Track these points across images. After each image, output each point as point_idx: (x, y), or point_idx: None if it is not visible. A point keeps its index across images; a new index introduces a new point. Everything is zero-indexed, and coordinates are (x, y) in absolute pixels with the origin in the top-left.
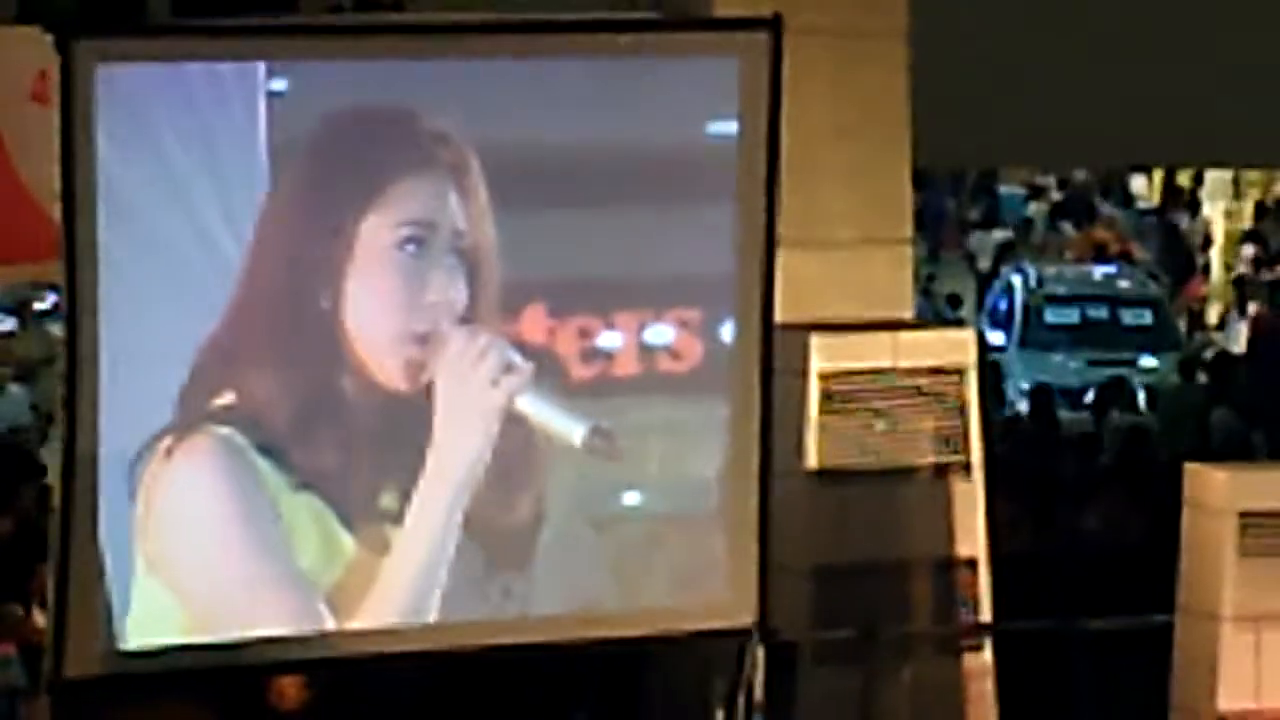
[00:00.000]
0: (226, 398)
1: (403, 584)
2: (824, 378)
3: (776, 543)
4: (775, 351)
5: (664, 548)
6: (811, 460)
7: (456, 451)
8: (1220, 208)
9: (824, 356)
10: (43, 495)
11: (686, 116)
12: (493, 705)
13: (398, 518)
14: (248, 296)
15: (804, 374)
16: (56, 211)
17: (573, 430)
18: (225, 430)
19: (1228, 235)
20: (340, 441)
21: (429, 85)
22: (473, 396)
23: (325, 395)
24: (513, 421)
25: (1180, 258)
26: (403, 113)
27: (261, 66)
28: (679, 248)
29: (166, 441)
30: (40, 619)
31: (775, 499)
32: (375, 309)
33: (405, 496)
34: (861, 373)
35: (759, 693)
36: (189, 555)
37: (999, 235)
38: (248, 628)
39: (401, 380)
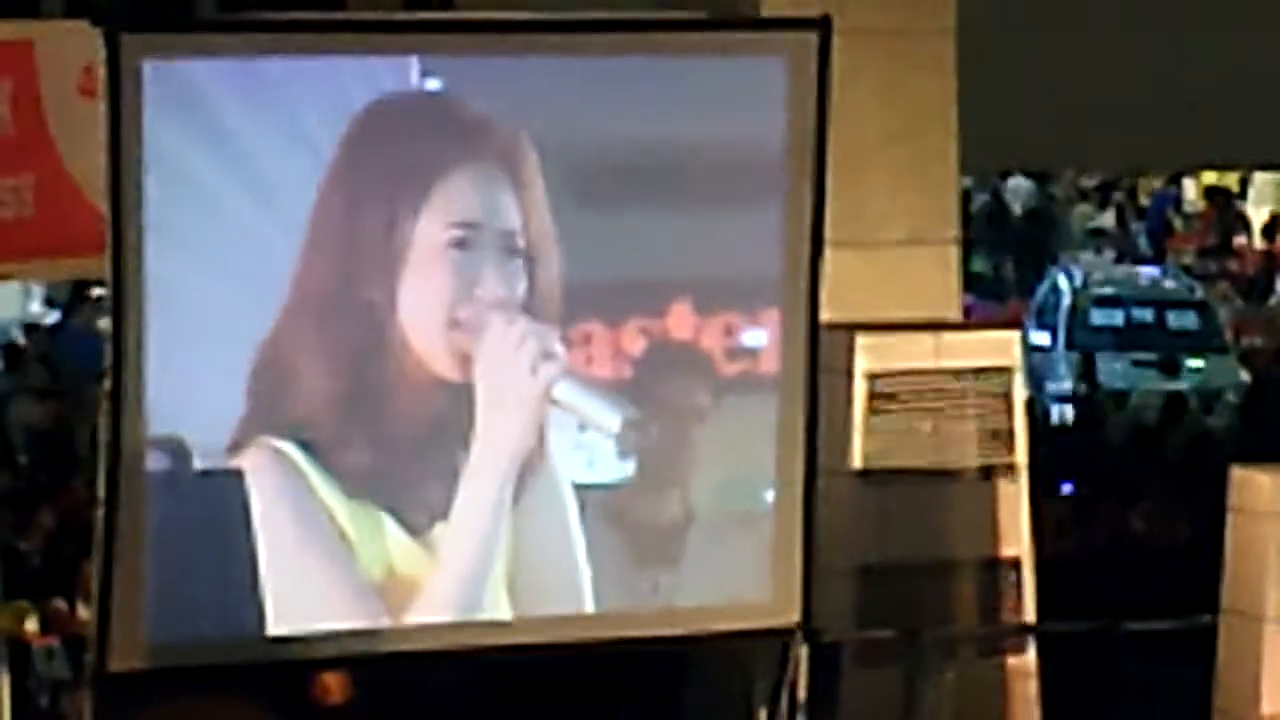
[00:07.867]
0: (284, 400)
1: (455, 576)
2: (870, 377)
3: (821, 543)
4: (821, 351)
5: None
6: (856, 460)
7: (500, 440)
8: (1266, 212)
9: (870, 356)
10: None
11: (731, 117)
12: (538, 702)
13: (445, 512)
14: (301, 296)
15: (850, 374)
16: (104, 205)
17: (608, 420)
18: (279, 443)
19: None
20: (392, 438)
21: (473, 77)
22: (512, 384)
23: (379, 388)
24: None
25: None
26: (442, 101)
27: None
28: (726, 248)
29: (228, 453)
30: (85, 613)
31: (820, 499)
32: (425, 303)
33: (451, 489)
34: (907, 373)
35: (802, 692)
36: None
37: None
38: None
39: (453, 369)
